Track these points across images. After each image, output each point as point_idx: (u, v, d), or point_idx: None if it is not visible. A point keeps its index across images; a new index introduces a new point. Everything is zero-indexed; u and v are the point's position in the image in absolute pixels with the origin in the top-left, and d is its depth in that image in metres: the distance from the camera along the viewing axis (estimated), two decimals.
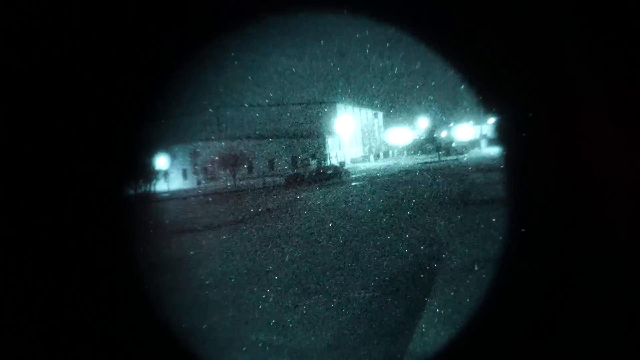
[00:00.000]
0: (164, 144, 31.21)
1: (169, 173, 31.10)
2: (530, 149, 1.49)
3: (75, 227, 1.65)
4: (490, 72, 1.55)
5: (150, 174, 28.02)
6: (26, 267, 1.52)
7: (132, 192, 25.50)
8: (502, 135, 1.77)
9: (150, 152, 27.79)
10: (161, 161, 29.63)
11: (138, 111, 2.01)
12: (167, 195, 27.36)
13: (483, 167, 18.51)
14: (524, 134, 1.50)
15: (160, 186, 29.71)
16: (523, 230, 1.58)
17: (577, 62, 1.29)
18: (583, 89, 1.30)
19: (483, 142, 29.90)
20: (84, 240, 1.69)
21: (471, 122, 32.71)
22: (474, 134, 32.57)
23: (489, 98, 1.69)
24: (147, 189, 27.71)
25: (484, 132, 30.17)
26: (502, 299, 1.68)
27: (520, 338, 1.49)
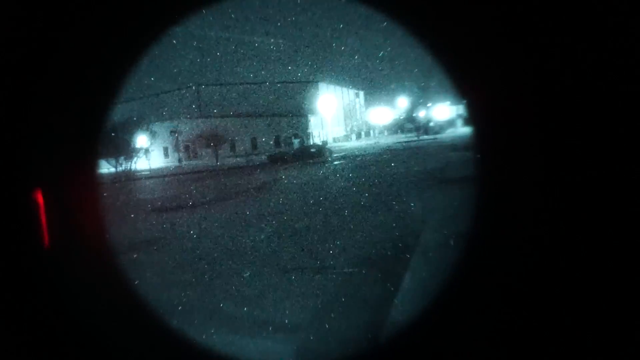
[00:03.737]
0: (144, 121, 30.55)
1: (150, 151, 30.58)
2: (497, 131, 1.56)
3: (49, 207, 1.61)
4: (463, 58, 1.63)
5: (131, 152, 27.56)
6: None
7: (112, 169, 25.16)
8: (472, 117, 1.86)
9: (131, 129, 27.26)
10: (142, 139, 29.12)
11: (116, 89, 1.99)
12: (147, 173, 27.06)
13: (459, 146, 18.98)
14: (489, 117, 1.57)
15: (141, 164, 29.30)
16: (493, 206, 1.67)
17: (547, 51, 1.34)
18: (550, 78, 1.35)
19: (459, 122, 30.65)
20: (57, 220, 1.64)
21: (448, 103, 33.34)
22: (450, 114, 33.27)
23: (460, 82, 1.76)
24: (128, 167, 27.31)
25: (459, 112, 30.85)
26: (475, 270, 1.75)
27: (492, 306, 1.58)
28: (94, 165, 2.17)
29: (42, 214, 1.58)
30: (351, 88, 43.36)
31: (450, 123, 32.23)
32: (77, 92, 1.70)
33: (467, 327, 1.65)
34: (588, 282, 1.36)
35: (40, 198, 1.59)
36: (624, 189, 1.31)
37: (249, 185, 15.94)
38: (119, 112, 23.24)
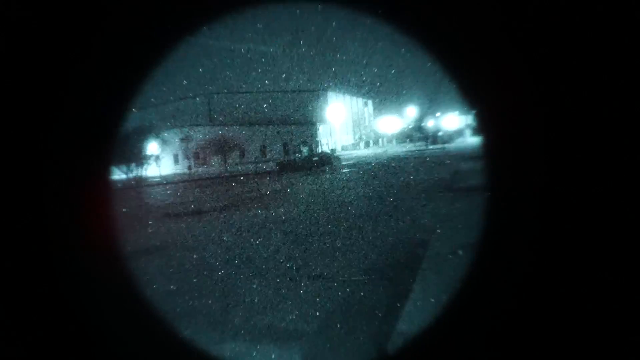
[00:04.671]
0: (156, 129, 31.09)
1: (160, 158, 31.05)
2: (506, 141, 1.57)
3: (59, 214, 1.62)
4: (472, 68, 1.62)
5: (142, 158, 28.01)
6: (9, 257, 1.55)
7: (124, 175, 25.56)
8: (481, 127, 1.83)
9: (142, 136, 27.73)
10: (152, 146, 29.61)
11: (130, 97, 2.01)
12: (158, 179, 27.41)
13: (467, 155, 18.95)
14: (499, 127, 1.58)
15: (152, 170, 29.74)
16: (502, 216, 1.66)
17: (557, 61, 1.37)
18: (558, 86, 1.38)
19: (468, 132, 30.58)
20: (67, 227, 1.68)
21: (457, 112, 33.34)
22: (459, 124, 33.26)
23: (469, 92, 1.74)
24: (139, 173, 27.72)
25: (468, 122, 30.81)
26: (484, 281, 1.77)
27: (503, 317, 1.59)
28: (106, 172, 2.17)
29: (55, 221, 1.60)
30: (360, 97, 43.62)
31: (459, 133, 32.20)
32: (90, 100, 1.73)
33: (476, 339, 1.64)
34: (604, 290, 1.36)
35: (54, 205, 1.60)
36: (635, 197, 1.30)
37: (259, 193, 16.07)
38: (131, 120, 23.60)
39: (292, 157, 29.35)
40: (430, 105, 35.32)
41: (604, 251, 1.35)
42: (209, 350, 3.64)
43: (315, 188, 16.27)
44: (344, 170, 21.39)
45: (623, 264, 1.33)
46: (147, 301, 2.34)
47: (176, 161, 35.30)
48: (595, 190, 1.34)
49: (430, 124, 35.75)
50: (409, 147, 32.46)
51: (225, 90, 36.94)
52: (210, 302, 5.18)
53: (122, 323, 1.95)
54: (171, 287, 5.81)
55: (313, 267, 6.32)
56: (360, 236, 7.89)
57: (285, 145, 34.34)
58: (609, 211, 1.34)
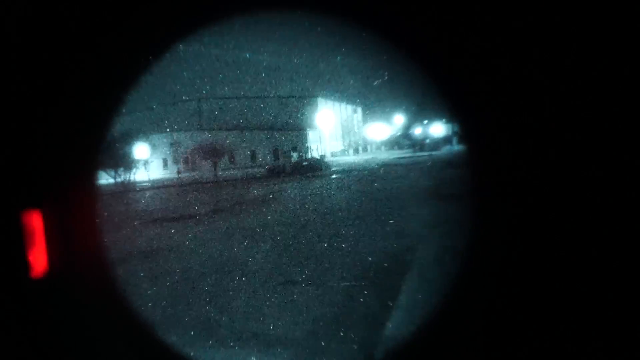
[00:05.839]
0: (145, 133, 30.80)
1: (149, 162, 30.79)
2: (489, 149, 1.59)
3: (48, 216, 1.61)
4: (457, 79, 1.64)
5: (130, 163, 27.71)
6: None
7: (112, 180, 25.25)
8: (465, 136, 1.90)
9: (131, 141, 27.44)
10: (141, 150, 29.31)
11: (118, 102, 2.02)
12: (146, 184, 27.18)
13: (454, 162, 19.22)
14: (482, 135, 1.61)
15: (141, 175, 29.45)
16: (487, 222, 1.68)
17: (540, 70, 1.38)
18: (540, 93, 1.40)
19: (455, 139, 31.07)
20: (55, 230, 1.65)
21: (444, 120, 33.87)
22: (446, 131, 33.78)
23: (454, 101, 1.78)
24: (127, 178, 27.41)
25: (455, 130, 31.31)
26: (471, 285, 1.76)
27: (490, 321, 1.59)
28: (93, 178, 2.19)
29: (41, 235, 1.59)
30: (349, 104, 44.05)
31: (446, 140, 32.71)
32: (80, 105, 1.74)
33: (464, 342, 1.67)
34: (586, 292, 1.39)
35: (39, 218, 1.59)
36: (617, 199, 1.35)
37: (247, 198, 16.08)
38: (119, 124, 23.45)
39: (281, 163, 29.43)
40: (418, 113, 35.89)
41: (591, 253, 1.38)
42: (197, 356, 3.72)
43: (304, 194, 16.29)
44: (333, 176, 21.53)
45: (613, 264, 1.36)
46: (134, 308, 2.36)
47: (165, 166, 35.05)
48: (579, 194, 1.38)
49: (417, 131, 36.33)
50: (397, 153, 32.84)
51: (216, 96, 36.96)
52: (196, 307, 5.19)
53: (108, 331, 1.94)
54: (157, 293, 5.79)
55: (298, 272, 6.33)
56: (347, 242, 7.95)
57: (275, 150, 34.43)
58: (593, 213, 1.37)
